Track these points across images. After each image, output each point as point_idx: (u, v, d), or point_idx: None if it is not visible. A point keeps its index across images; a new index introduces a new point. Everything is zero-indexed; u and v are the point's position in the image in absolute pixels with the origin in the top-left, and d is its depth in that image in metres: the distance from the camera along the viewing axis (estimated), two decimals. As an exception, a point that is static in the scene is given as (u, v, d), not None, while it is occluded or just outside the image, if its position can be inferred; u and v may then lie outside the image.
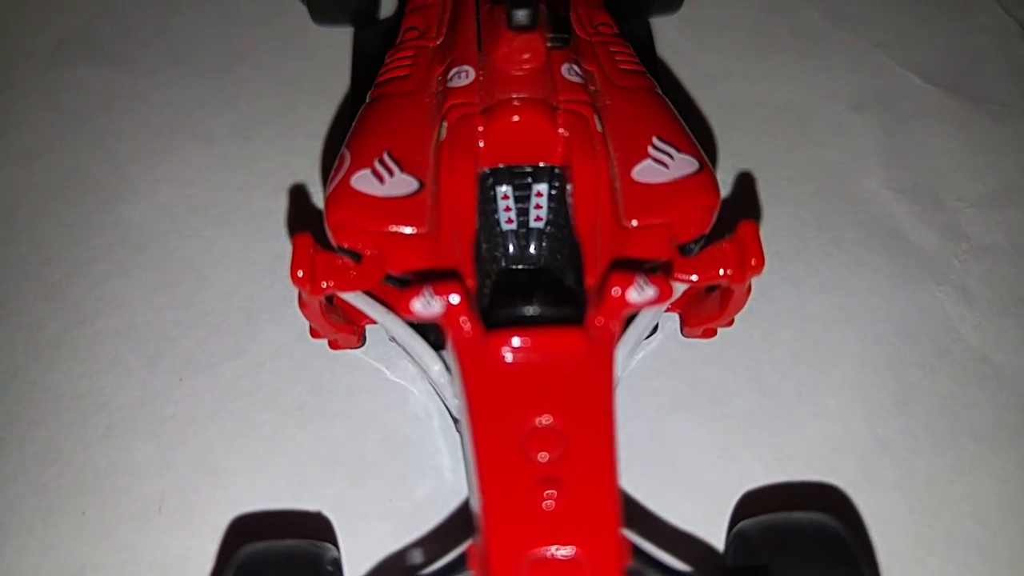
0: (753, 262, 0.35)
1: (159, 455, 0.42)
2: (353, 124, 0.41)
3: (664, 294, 0.32)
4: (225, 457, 0.42)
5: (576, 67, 0.40)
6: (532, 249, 0.39)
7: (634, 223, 0.36)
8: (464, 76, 0.39)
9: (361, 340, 0.44)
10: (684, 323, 0.44)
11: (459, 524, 0.40)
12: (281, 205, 0.50)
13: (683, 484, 0.41)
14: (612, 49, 0.44)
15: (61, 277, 0.48)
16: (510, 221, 0.38)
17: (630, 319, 0.37)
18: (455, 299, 0.32)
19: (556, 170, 0.37)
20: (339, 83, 0.55)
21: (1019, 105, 0.56)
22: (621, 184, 0.37)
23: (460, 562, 0.31)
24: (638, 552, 0.31)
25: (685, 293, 0.41)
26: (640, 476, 0.41)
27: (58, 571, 0.39)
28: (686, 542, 0.40)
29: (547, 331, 0.33)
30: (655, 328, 0.44)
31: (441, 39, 0.44)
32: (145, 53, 0.58)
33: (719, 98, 0.55)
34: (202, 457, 0.42)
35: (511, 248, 0.39)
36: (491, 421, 0.31)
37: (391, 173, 0.38)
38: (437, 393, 0.40)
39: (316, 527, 0.40)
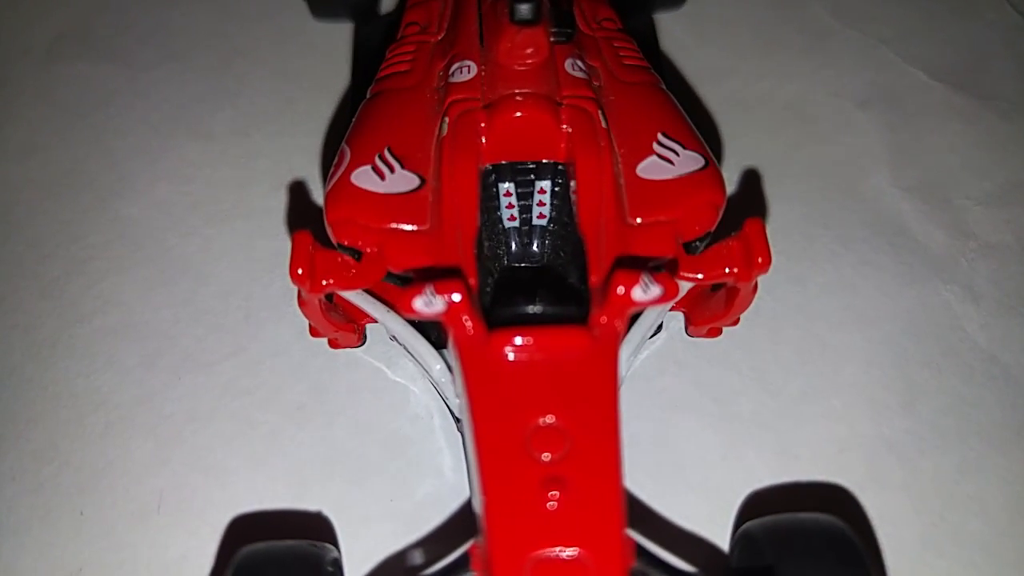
0: (760, 260, 0.35)
1: (157, 454, 0.42)
2: (353, 120, 0.41)
3: (669, 293, 0.32)
4: (224, 456, 0.42)
5: (580, 62, 0.40)
6: (535, 247, 0.38)
7: (639, 220, 0.36)
8: (466, 71, 0.39)
9: (361, 339, 0.44)
10: (689, 322, 0.44)
11: (461, 524, 0.40)
12: (280, 202, 0.50)
13: (688, 484, 0.41)
14: (616, 44, 0.43)
15: (58, 275, 0.48)
16: (513, 218, 0.38)
17: (634, 318, 0.37)
18: (457, 297, 0.32)
19: (559, 166, 0.37)
20: (339, 79, 0.55)
21: (1027, 102, 0.56)
22: (625, 181, 0.37)
23: (462, 563, 0.31)
24: (642, 552, 0.31)
25: (690, 292, 0.40)
26: (644, 476, 0.41)
27: (56, 571, 0.39)
28: (691, 543, 0.39)
29: (550, 330, 0.32)
30: (659, 327, 0.44)
31: (442, 34, 0.43)
32: (143, 48, 0.58)
33: (724, 95, 0.55)
34: (201, 456, 0.42)
35: (514, 246, 0.38)
36: (494, 421, 0.31)
37: (392, 169, 0.37)
38: (438, 392, 0.40)
39: (316, 527, 0.40)
